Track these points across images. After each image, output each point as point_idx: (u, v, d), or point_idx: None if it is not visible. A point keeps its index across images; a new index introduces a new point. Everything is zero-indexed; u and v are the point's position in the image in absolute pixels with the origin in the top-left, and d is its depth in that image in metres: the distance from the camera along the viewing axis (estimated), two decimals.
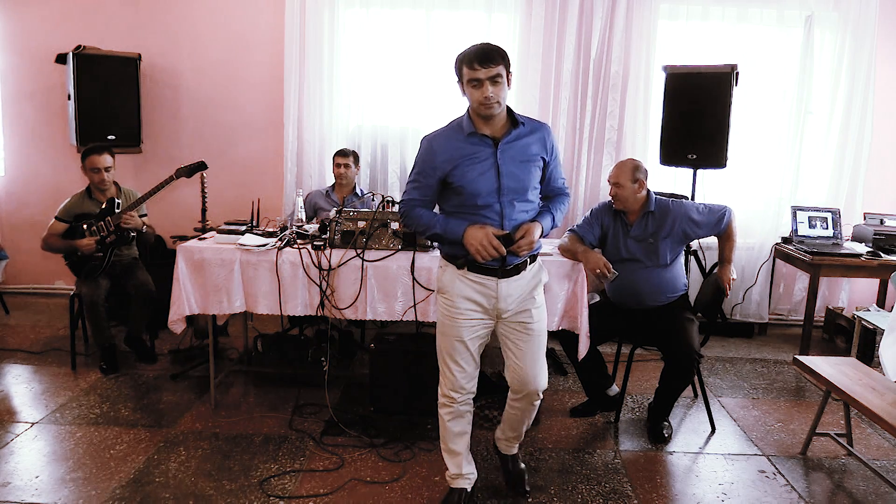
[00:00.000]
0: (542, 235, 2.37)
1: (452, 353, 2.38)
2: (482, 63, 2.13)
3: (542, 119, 4.66)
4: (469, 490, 2.56)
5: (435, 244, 3.27)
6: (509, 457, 2.74)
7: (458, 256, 2.32)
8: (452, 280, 2.35)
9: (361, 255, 3.11)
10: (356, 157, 4.37)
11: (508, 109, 2.30)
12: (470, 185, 2.25)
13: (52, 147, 5.05)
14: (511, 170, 2.27)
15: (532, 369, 2.41)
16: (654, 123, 4.64)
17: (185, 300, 3.16)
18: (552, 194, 2.47)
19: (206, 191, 3.66)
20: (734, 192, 4.84)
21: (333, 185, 4.42)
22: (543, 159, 2.36)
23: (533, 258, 2.41)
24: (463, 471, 2.53)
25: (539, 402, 2.51)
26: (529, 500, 2.66)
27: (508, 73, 2.21)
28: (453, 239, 2.28)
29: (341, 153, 4.33)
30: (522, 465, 2.77)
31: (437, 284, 2.44)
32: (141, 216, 3.86)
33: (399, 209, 2.42)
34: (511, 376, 2.46)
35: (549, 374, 3.91)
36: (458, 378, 2.39)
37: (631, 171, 3.17)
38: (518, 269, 2.35)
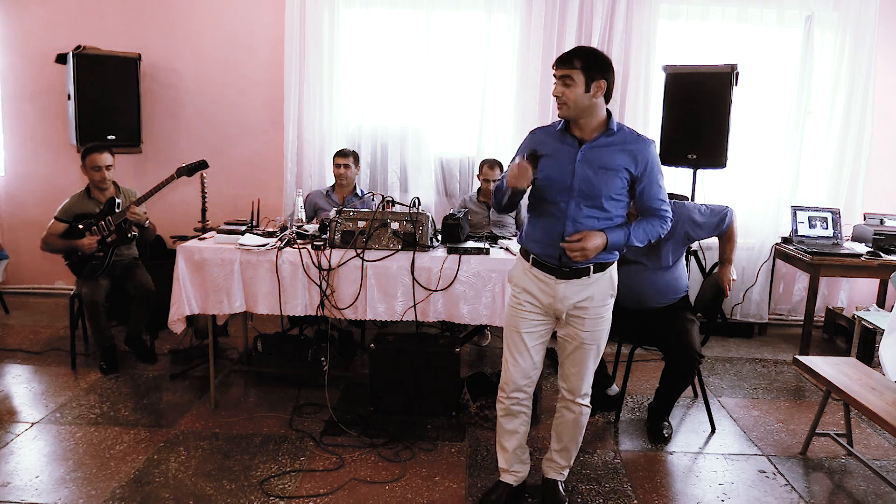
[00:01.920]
0: (613, 249, 2.33)
1: (510, 343, 2.45)
2: (557, 63, 2.25)
3: (541, 119, 4.74)
4: (514, 486, 2.59)
5: (436, 243, 3.29)
6: (550, 482, 2.63)
7: (526, 249, 2.41)
8: (519, 273, 2.45)
9: (361, 255, 3.11)
10: (356, 157, 4.37)
11: (609, 118, 2.31)
12: (545, 179, 2.32)
13: (52, 147, 5.05)
14: (586, 173, 2.27)
15: (571, 373, 2.47)
16: (654, 123, 4.64)
17: (185, 300, 3.16)
18: (643, 214, 2.40)
19: (206, 191, 3.66)
20: (734, 192, 4.83)
21: (333, 186, 4.43)
22: (630, 172, 2.30)
23: (600, 267, 2.36)
24: (511, 467, 2.58)
25: (583, 410, 2.51)
26: (529, 500, 2.66)
27: (592, 80, 2.21)
28: (505, 187, 2.32)
29: (341, 154, 4.33)
30: (563, 496, 2.62)
31: (509, 273, 2.53)
32: None
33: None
34: (559, 372, 2.54)
35: (548, 374, 3.94)
36: (511, 371, 2.45)
37: None
38: (578, 274, 2.34)
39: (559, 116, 2.31)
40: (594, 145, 2.28)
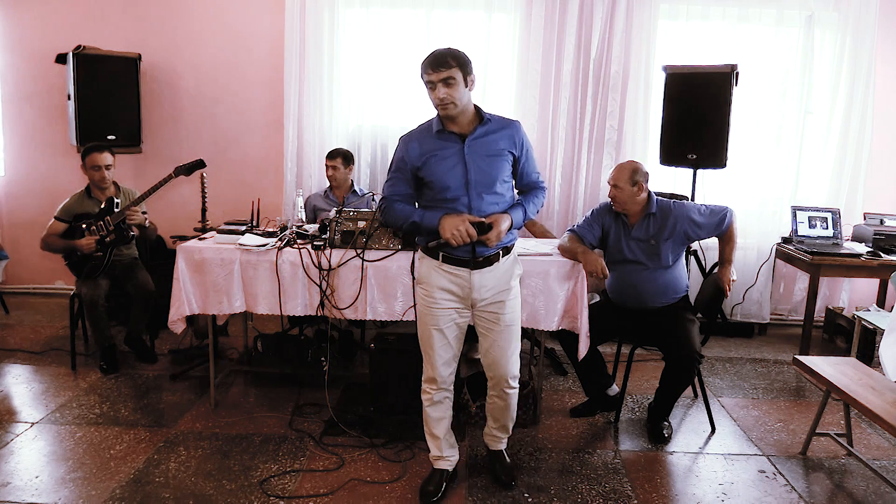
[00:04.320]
0: (515, 228, 2.49)
1: (430, 339, 2.52)
2: (434, 67, 2.30)
3: (542, 119, 4.74)
4: (450, 471, 2.72)
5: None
6: (496, 452, 2.82)
7: (429, 246, 2.45)
8: (429, 272, 2.50)
9: (361, 255, 3.11)
10: (346, 157, 4.26)
11: (477, 109, 2.44)
12: (439, 180, 2.41)
13: (52, 147, 5.05)
14: (478, 164, 2.40)
15: (501, 357, 2.57)
16: (654, 123, 4.64)
17: (185, 300, 3.16)
18: (526, 189, 2.58)
19: (206, 191, 3.66)
20: (734, 192, 4.84)
21: (331, 185, 4.42)
22: (513, 154, 2.47)
23: (506, 251, 2.51)
24: (444, 453, 2.69)
25: (515, 391, 2.65)
26: (529, 499, 2.66)
27: (467, 75, 2.34)
28: (430, 226, 2.40)
29: (329, 156, 4.27)
30: (509, 461, 2.83)
31: (416, 275, 2.58)
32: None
33: (378, 205, 2.56)
34: (484, 363, 2.64)
35: (548, 374, 3.95)
36: (436, 365, 2.54)
37: (630, 174, 3.16)
38: (490, 261, 2.46)
39: (445, 116, 2.39)
40: (475, 137, 2.41)
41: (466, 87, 2.34)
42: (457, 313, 2.50)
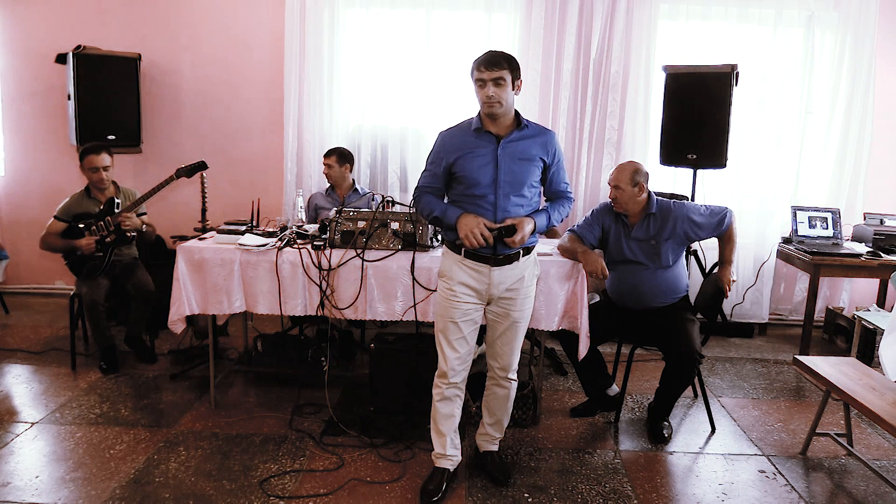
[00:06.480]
0: (538, 232, 2.57)
1: (446, 332, 2.57)
2: (487, 66, 2.39)
3: (542, 119, 4.75)
4: (451, 471, 2.73)
5: (436, 243, 3.29)
6: (488, 454, 2.84)
7: (454, 241, 2.53)
8: (451, 266, 2.57)
9: (361, 255, 3.11)
10: (341, 155, 4.25)
11: (517, 114, 2.52)
12: (470, 175, 2.47)
13: (52, 147, 5.05)
14: (509, 165, 2.47)
15: (506, 346, 2.65)
16: (654, 123, 4.64)
17: (185, 300, 3.16)
18: (554, 197, 2.66)
19: (206, 191, 3.66)
20: (734, 192, 4.83)
21: (331, 184, 4.42)
22: (544, 161, 2.54)
23: (527, 251, 2.57)
24: (447, 452, 2.70)
25: (513, 384, 2.71)
26: (529, 500, 2.66)
27: (516, 79, 2.44)
28: (449, 223, 2.50)
29: (326, 154, 4.29)
30: (501, 459, 2.86)
31: (439, 269, 2.64)
32: (140, 215, 3.86)
33: (413, 194, 2.64)
34: (488, 352, 2.73)
35: (548, 374, 3.95)
36: (450, 359, 2.58)
37: (630, 175, 3.16)
38: (510, 259, 2.53)
39: (489, 115, 2.44)
40: (510, 140, 2.48)
41: (513, 90, 2.43)
42: (473, 308, 2.56)
